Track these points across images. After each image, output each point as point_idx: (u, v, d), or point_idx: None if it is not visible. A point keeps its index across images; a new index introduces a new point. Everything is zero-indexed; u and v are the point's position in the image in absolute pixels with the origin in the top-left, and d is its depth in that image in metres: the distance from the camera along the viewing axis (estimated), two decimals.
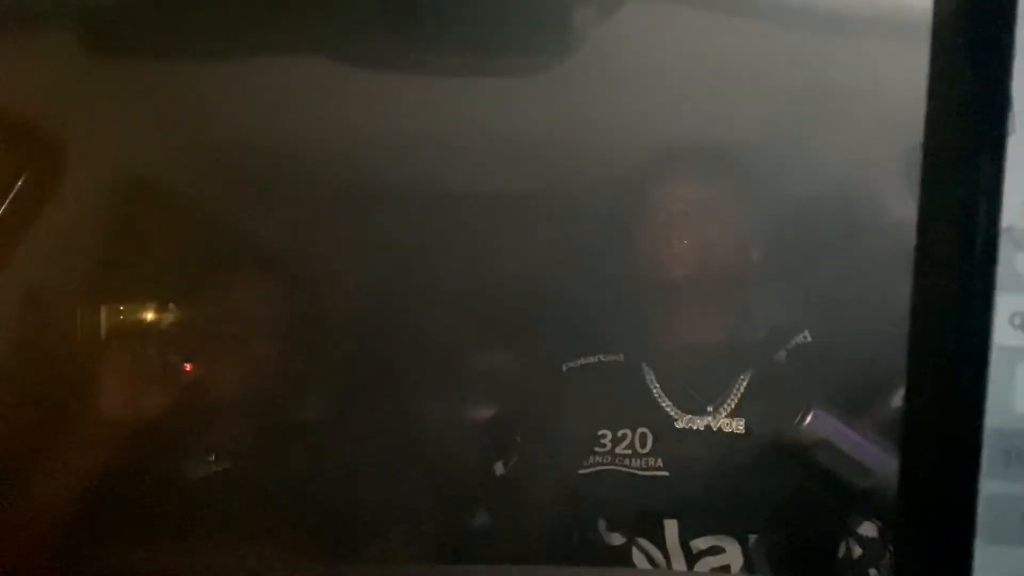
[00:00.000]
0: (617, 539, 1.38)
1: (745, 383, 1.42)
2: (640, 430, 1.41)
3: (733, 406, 1.41)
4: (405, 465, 1.33)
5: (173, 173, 1.53)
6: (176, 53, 1.25)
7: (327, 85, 1.34)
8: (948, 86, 0.41)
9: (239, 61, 1.31)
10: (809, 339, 1.44)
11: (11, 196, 1.43)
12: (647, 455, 1.39)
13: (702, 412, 1.41)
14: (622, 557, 1.36)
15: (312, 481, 1.27)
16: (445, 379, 1.58)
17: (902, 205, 1.45)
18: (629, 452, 1.40)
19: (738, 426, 1.39)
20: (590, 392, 1.47)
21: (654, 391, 1.44)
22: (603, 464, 1.41)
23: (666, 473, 1.38)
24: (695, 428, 1.41)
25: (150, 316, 1.42)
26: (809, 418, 1.01)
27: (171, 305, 1.40)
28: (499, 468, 1.48)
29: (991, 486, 0.42)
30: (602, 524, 1.40)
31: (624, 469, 1.39)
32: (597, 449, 1.41)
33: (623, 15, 1.19)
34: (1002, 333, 0.42)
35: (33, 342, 1.45)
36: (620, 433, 1.42)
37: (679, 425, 1.41)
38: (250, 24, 1.22)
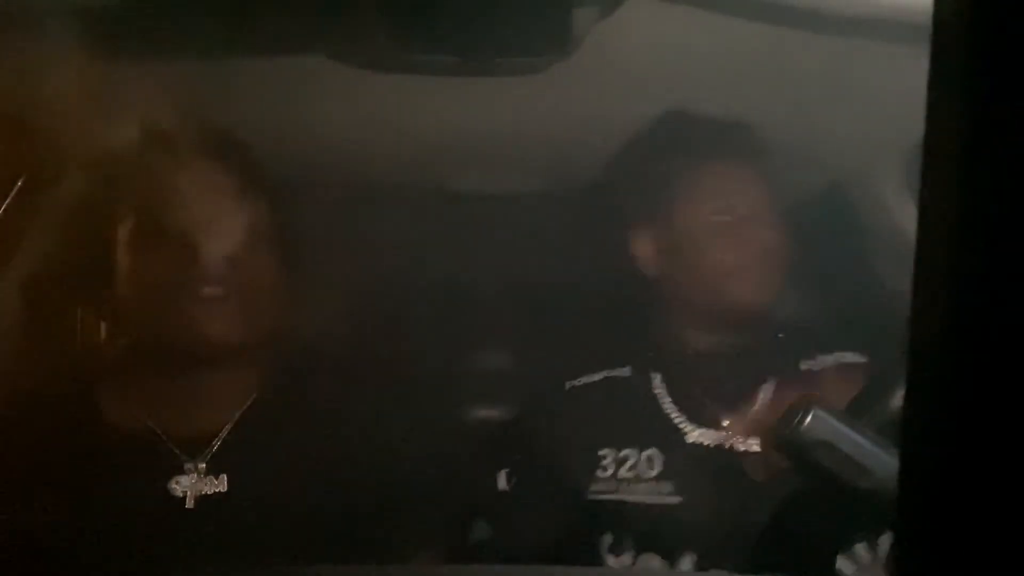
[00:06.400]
0: (621, 562, 1.32)
1: (770, 393, 1.34)
2: (647, 452, 1.32)
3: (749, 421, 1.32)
4: (403, 470, 1.31)
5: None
6: (176, 53, 1.25)
7: (327, 85, 1.34)
8: (948, 86, 0.41)
9: (240, 61, 1.31)
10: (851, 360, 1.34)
11: (11, 196, 1.43)
12: (655, 479, 1.32)
13: (717, 426, 1.33)
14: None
15: (308, 486, 1.26)
16: (442, 383, 1.55)
17: (902, 205, 1.45)
18: (632, 476, 1.32)
19: (751, 445, 1.31)
20: (593, 411, 1.38)
21: (664, 404, 1.36)
22: (608, 492, 1.33)
23: (678, 499, 1.30)
24: (707, 444, 1.32)
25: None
26: (809, 419, 1.01)
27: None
28: (502, 481, 1.41)
29: None
30: (606, 544, 1.34)
31: (630, 499, 1.31)
32: (600, 474, 1.33)
33: (623, 15, 1.19)
34: None
35: (33, 342, 1.45)
36: (623, 454, 1.33)
37: (690, 440, 1.33)
38: (251, 25, 1.22)
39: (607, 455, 1.33)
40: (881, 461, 0.99)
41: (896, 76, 0.83)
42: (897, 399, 1.08)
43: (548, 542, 1.32)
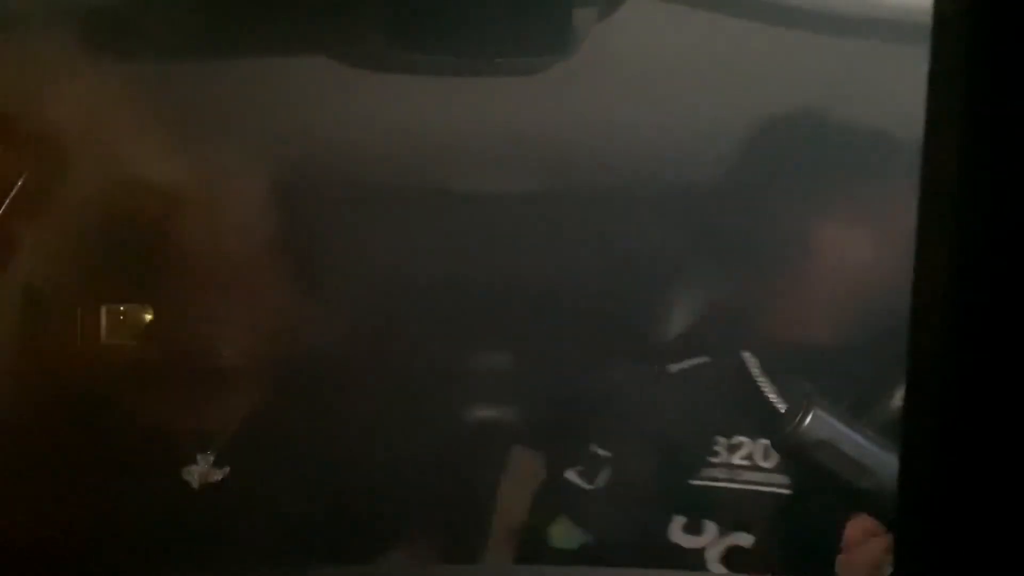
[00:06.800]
0: (696, 542, 1.30)
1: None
2: (762, 441, 1.30)
3: None
4: (407, 470, 1.34)
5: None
6: (177, 53, 1.25)
7: (328, 85, 1.34)
8: (948, 86, 0.41)
9: (240, 61, 1.31)
10: None
11: (11, 196, 1.43)
12: (771, 470, 1.30)
13: None
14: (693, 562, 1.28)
15: (309, 481, 1.31)
16: (443, 382, 1.56)
17: (902, 204, 1.44)
18: (747, 464, 1.31)
19: None
20: (698, 394, 1.36)
21: (770, 395, 1.33)
22: (719, 480, 1.31)
23: (789, 492, 1.28)
24: None
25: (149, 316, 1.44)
26: (809, 418, 1.01)
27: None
28: (572, 475, 1.38)
29: None
30: (678, 524, 1.32)
31: (741, 487, 1.30)
32: (712, 459, 1.31)
33: (623, 15, 1.19)
34: None
35: (32, 342, 1.45)
36: (735, 440, 1.32)
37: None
38: (251, 25, 1.22)
39: (719, 440, 1.32)
40: (881, 461, 0.99)
41: (896, 76, 0.83)
42: (897, 399, 1.08)
43: (626, 531, 1.31)
